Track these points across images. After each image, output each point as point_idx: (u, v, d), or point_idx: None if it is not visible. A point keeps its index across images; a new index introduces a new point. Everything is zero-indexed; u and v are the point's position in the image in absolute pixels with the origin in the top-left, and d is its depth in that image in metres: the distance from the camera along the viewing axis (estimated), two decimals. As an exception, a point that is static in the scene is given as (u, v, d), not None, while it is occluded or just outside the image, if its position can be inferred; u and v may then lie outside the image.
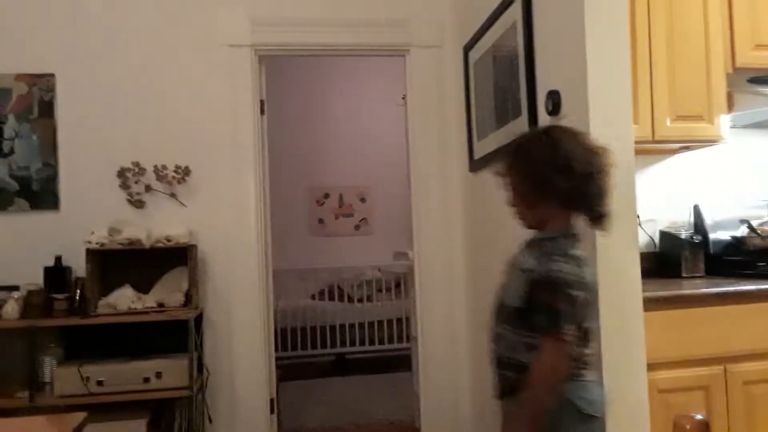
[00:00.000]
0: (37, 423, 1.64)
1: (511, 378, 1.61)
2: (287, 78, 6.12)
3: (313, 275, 5.99)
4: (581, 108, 1.90)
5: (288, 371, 4.50)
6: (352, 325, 5.45)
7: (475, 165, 3.02)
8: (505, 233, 2.57)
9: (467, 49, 3.06)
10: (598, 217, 1.61)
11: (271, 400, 3.20)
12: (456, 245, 3.28)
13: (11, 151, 2.95)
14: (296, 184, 6.20)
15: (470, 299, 3.21)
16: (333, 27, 3.21)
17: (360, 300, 5.65)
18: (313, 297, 5.85)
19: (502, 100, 2.58)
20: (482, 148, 2.88)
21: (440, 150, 3.29)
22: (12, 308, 2.68)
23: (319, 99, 6.30)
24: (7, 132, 2.95)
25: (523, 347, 1.57)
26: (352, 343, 5.44)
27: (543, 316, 1.52)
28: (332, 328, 5.42)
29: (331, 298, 5.75)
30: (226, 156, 3.13)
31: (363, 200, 6.37)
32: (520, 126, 2.34)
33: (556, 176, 1.56)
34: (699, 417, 1.13)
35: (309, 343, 5.36)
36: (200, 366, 2.99)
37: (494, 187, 2.72)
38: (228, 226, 3.12)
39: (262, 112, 3.25)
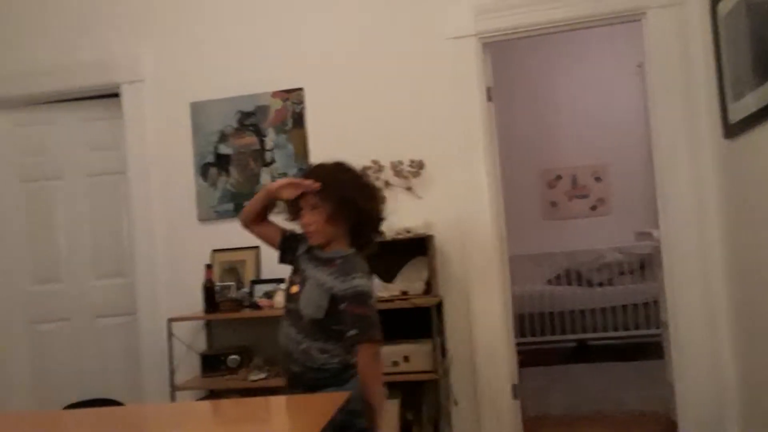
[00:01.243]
0: (305, 400, 1.82)
1: (296, 373, 1.90)
2: (513, 61, 6.04)
3: (549, 260, 5.85)
4: None
5: (528, 357, 4.46)
6: (593, 311, 5.23)
7: (732, 130, 2.68)
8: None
9: (715, 2, 2.72)
10: (369, 243, 1.96)
11: (514, 386, 3.21)
12: (710, 221, 2.95)
13: (272, 161, 3.34)
14: (527, 168, 6.10)
15: (733, 281, 2.87)
16: (559, 2, 3.09)
17: (600, 284, 5.39)
18: (549, 282, 5.72)
19: (762, 53, 2.26)
20: (739, 111, 2.55)
21: (686, 117, 2.98)
22: (281, 298, 3.04)
23: (546, 78, 6.12)
24: (268, 144, 3.35)
25: (317, 351, 1.85)
26: (594, 329, 5.21)
27: (356, 326, 1.80)
28: (572, 313, 5.25)
29: (569, 283, 5.58)
30: (457, 146, 3.20)
31: (598, 179, 6.05)
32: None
33: (360, 202, 1.88)
34: None
35: (548, 329, 5.26)
36: (443, 351, 3.11)
37: (758, 154, 2.41)
38: (462, 214, 3.19)
39: (489, 99, 3.26)
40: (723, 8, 2.64)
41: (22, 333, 3.65)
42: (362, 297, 1.83)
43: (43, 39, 3.57)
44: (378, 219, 1.99)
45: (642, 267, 5.41)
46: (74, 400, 2.80)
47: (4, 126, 3.68)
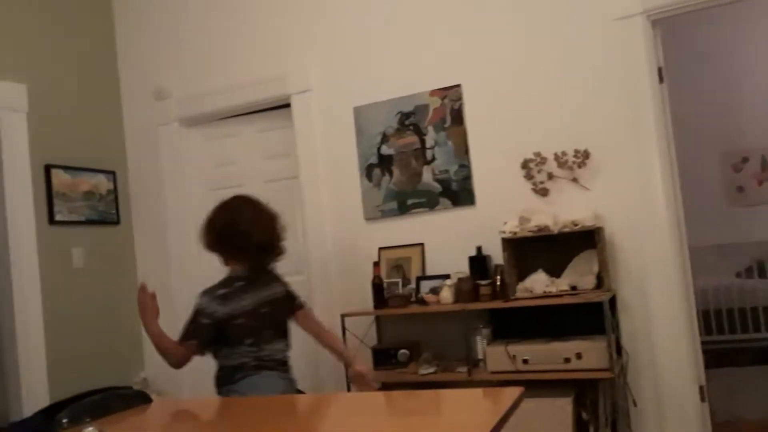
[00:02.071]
0: (476, 395, 1.84)
1: None
2: (685, 37, 5.59)
3: (736, 250, 5.33)
4: None
5: (714, 357, 4.11)
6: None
7: None
8: None
9: None
10: (256, 265, 2.42)
11: (701, 388, 2.97)
12: None
13: (433, 159, 3.39)
14: (707, 151, 5.61)
15: None
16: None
17: (801, 277, 4.81)
18: (738, 275, 5.21)
19: None
20: None
21: None
22: (447, 294, 3.08)
23: (723, 53, 5.58)
24: (429, 142, 3.40)
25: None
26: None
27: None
28: (765, 309, 4.74)
29: (762, 276, 5.04)
30: (625, 133, 3.03)
31: (793, 160, 5.41)
32: None
33: (225, 237, 2.39)
34: None
35: (737, 327, 4.79)
36: (618, 349, 2.96)
37: None
38: (634, 204, 3.01)
39: (660, 80, 3.05)
40: None
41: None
42: (193, 310, 2.37)
43: (228, 61, 3.93)
44: (252, 238, 2.42)
45: None
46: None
47: (196, 140, 4.11)
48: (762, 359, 4.57)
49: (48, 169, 3.63)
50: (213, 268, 4.01)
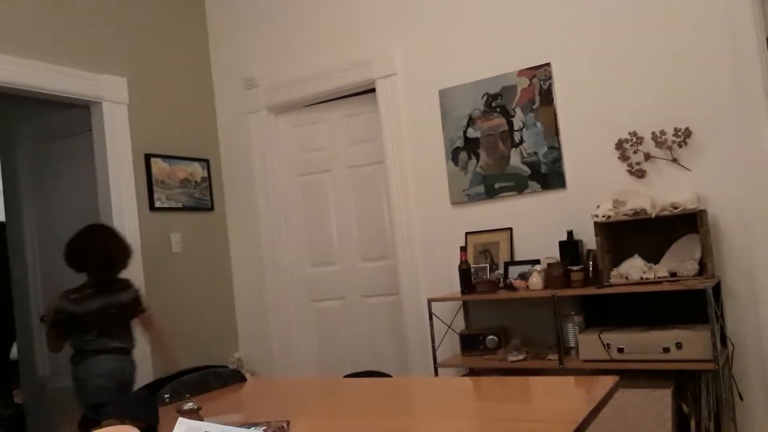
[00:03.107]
0: (568, 383, 1.78)
1: None
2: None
3: None
4: None
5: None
6: None
7: None
8: None
9: None
10: (103, 276, 3.06)
11: (816, 383, 2.75)
12: None
13: (521, 141, 3.30)
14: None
15: None
16: None
17: None
18: None
19: None
20: None
21: None
22: (536, 279, 3.00)
23: None
24: (516, 124, 3.31)
25: None
26: None
27: None
28: None
29: None
30: (731, 108, 2.83)
31: None
32: None
33: (71, 255, 3.04)
34: None
35: None
36: (723, 338, 2.78)
37: None
38: (741, 185, 2.81)
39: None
40: None
41: (306, 309, 4.14)
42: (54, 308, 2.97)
43: (313, 47, 3.98)
44: (92, 257, 3.04)
45: None
46: (350, 370, 3.10)
47: (284, 127, 4.20)
48: None
49: (148, 158, 3.82)
50: (293, 249, 4.13)
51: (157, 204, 3.83)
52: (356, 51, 3.82)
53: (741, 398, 2.80)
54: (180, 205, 3.99)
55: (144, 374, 3.37)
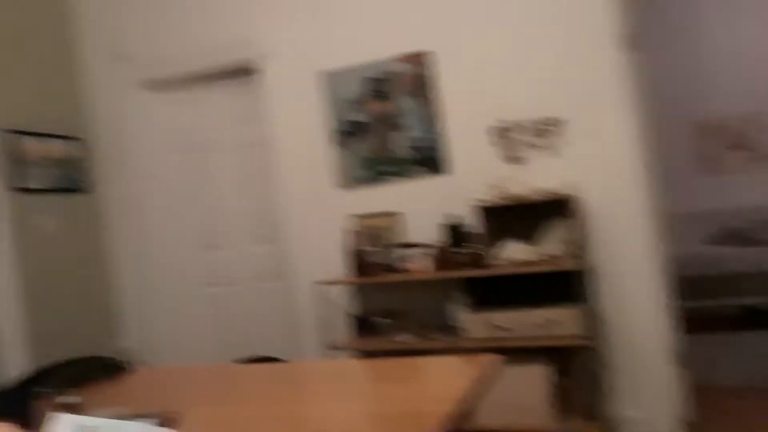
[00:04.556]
0: (456, 362, 1.83)
1: None
2: (659, 5, 5.59)
3: (709, 218, 5.41)
4: None
5: (690, 323, 4.18)
6: (762, 273, 4.77)
7: None
8: None
9: None
10: None
11: (677, 354, 3.01)
12: None
13: (406, 126, 3.35)
14: (679, 120, 5.65)
15: None
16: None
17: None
18: (711, 242, 5.30)
19: None
20: None
21: None
22: (424, 262, 3.06)
23: (696, 18, 5.59)
24: (401, 109, 3.35)
25: None
26: (763, 293, 4.76)
27: None
28: (738, 276, 4.83)
29: (733, 243, 5.12)
30: (598, 101, 3.01)
31: (763, 129, 5.47)
32: None
33: None
34: None
35: (711, 293, 4.88)
36: (595, 316, 2.98)
37: None
38: (606, 172, 3.01)
39: (629, 47, 3.03)
40: None
41: (195, 295, 3.98)
42: None
43: (193, 23, 3.79)
44: None
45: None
46: (242, 356, 3.01)
47: (162, 105, 3.96)
48: (735, 325, 4.66)
49: (11, 134, 3.50)
50: (179, 233, 3.96)
51: (24, 184, 3.52)
52: (237, 28, 3.69)
53: (610, 372, 3.02)
54: (51, 186, 3.69)
55: (22, 366, 3.11)
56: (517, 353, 2.86)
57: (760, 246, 4.91)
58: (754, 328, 4.52)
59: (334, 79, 3.48)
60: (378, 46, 3.39)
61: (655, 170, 3.16)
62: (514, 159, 3.16)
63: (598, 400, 2.90)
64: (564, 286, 2.92)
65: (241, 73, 3.80)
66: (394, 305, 3.38)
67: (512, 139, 3.16)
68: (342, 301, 3.49)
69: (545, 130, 3.09)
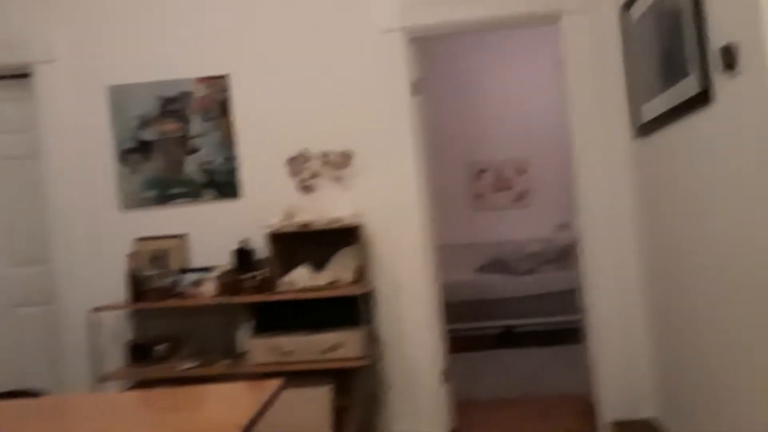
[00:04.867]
0: (238, 388, 1.82)
1: None
2: (441, 56, 6.14)
3: (476, 250, 6.00)
4: (760, 62, 1.73)
5: (457, 344, 4.57)
6: (518, 298, 5.40)
7: (640, 131, 2.86)
8: (685, 196, 2.41)
9: (624, 9, 2.88)
10: None
11: (444, 371, 3.29)
12: (624, 212, 3.13)
13: (197, 148, 3.28)
14: (454, 161, 6.23)
15: (646, 268, 3.05)
16: (480, 2, 3.17)
17: (525, 273, 5.57)
18: (477, 270, 5.87)
19: (667, 59, 2.40)
20: (647, 113, 2.72)
21: (601, 116, 3.14)
22: (209, 287, 3.00)
23: (473, 74, 6.25)
24: (193, 131, 3.28)
25: None
26: (520, 316, 5.39)
27: None
28: (499, 301, 5.41)
29: (496, 272, 5.74)
30: (385, 138, 3.24)
31: (522, 173, 6.25)
32: (689, 86, 2.18)
33: None
34: None
35: (477, 316, 5.40)
36: (375, 339, 3.15)
37: (664, 153, 2.57)
38: (391, 205, 3.23)
39: (416, 93, 3.31)
40: (633, 14, 2.78)
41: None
42: None
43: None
44: None
45: (563, 257, 5.63)
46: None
47: None
48: (494, 345, 5.21)
49: None
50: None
51: None
52: (9, 28, 3.34)
53: (388, 389, 3.20)
54: None
55: None
56: (301, 376, 2.91)
57: (518, 275, 5.56)
58: (511, 347, 5.09)
59: (123, 93, 3.29)
60: (174, 64, 3.30)
61: (433, 204, 3.45)
62: (306, 188, 3.25)
63: (376, 417, 3.06)
64: (348, 310, 3.05)
65: (14, 76, 3.42)
66: (177, 331, 3.25)
67: (305, 168, 3.25)
68: (120, 328, 3.27)
69: (338, 161, 3.23)
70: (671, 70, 2.37)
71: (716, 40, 2.00)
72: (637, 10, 2.71)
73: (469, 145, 6.27)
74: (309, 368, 2.88)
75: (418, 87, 3.33)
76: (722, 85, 1.98)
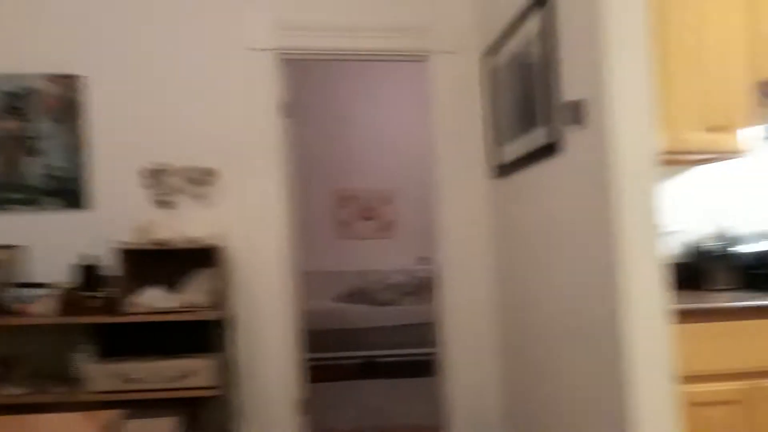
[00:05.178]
0: (74, 419, 1.64)
1: None
2: (314, 81, 6.14)
3: (339, 278, 5.98)
4: (604, 118, 1.88)
5: (317, 373, 4.48)
6: (380, 328, 5.42)
7: (498, 172, 3.01)
8: (532, 240, 2.55)
9: (489, 55, 3.04)
10: None
11: (302, 401, 3.19)
12: (481, 250, 3.26)
13: (43, 151, 2.98)
14: (322, 187, 6.21)
15: (498, 304, 3.17)
16: (356, 32, 3.21)
17: (386, 303, 5.62)
18: (339, 299, 5.84)
19: (524, 107, 2.55)
20: (504, 156, 2.87)
21: (463, 155, 3.27)
22: (45, 305, 2.70)
23: (345, 102, 6.31)
24: (37, 132, 2.98)
25: None
26: (381, 347, 5.41)
27: None
28: (360, 331, 5.39)
29: (358, 301, 5.74)
30: (252, 159, 3.14)
31: (387, 204, 6.36)
32: (542, 135, 2.32)
33: None
34: None
35: (337, 346, 5.34)
36: (230, 366, 2.99)
37: (518, 195, 2.71)
38: (255, 228, 3.12)
39: (286, 115, 3.25)
40: (495, 62, 2.95)
41: None
42: None
43: None
44: None
45: (423, 289, 5.76)
46: None
47: None
48: (354, 375, 5.17)
49: None
50: None
51: None
52: None
53: (241, 421, 3.04)
54: None
55: None
56: (147, 406, 2.69)
57: (379, 305, 5.60)
58: (370, 377, 5.08)
59: (-46, 84, 2.93)
60: (21, 58, 2.99)
61: (298, 229, 3.39)
62: (164, 203, 3.06)
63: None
64: (202, 336, 2.88)
65: None
66: (5, 353, 2.89)
67: (164, 182, 3.06)
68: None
69: (200, 179, 3.07)
70: (525, 118, 2.52)
71: (565, 95, 2.15)
72: (500, 58, 2.86)
73: (337, 173, 6.29)
74: (155, 397, 2.66)
75: (288, 109, 3.28)
76: (569, 137, 2.12)
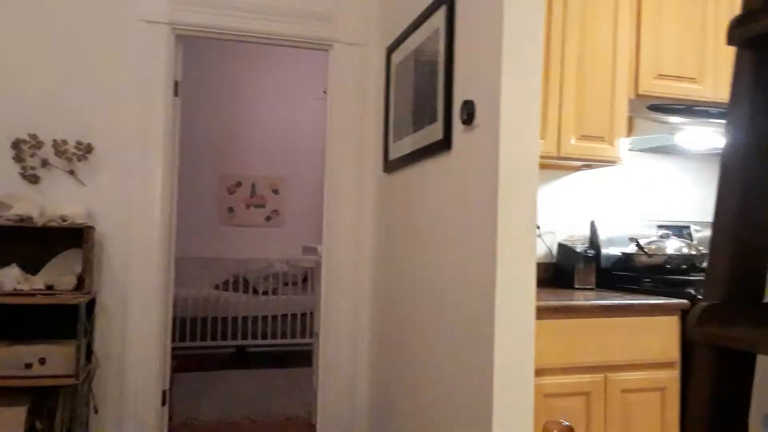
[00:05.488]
0: None
1: None
2: (206, 61, 5.95)
3: (219, 265, 5.85)
4: (493, 119, 1.96)
5: (186, 362, 4.37)
6: (255, 318, 5.37)
7: (390, 166, 3.05)
8: (417, 234, 2.62)
9: (390, 50, 3.07)
10: None
11: (164, 392, 3.10)
12: (365, 244, 3.29)
13: None
14: (208, 171, 6.03)
15: (376, 299, 3.23)
16: (256, 14, 3.14)
17: (265, 293, 5.57)
18: (216, 287, 5.72)
19: (420, 104, 2.61)
20: (397, 150, 2.91)
21: (356, 148, 3.29)
22: None
23: (238, 86, 6.15)
24: None
25: None
26: (254, 336, 5.35)
27: None
28: (234, 319, 5.31)
29: (236, 289, 5.64)
30: (134, 136, 3.00)
31: (276, 191, 6.28)
32: (435, 132, 2.38)
33: None
34: (565, 423, 1.20)
35: (209, 335, 5.23)
36: (89, 354, 2.85)
37: (408, 190, 2.77)
38: (130, 209, 2.99)
39: (175, 93, 3.14)
40: (396, 57, 2.99)
41: None
42: None
43: None
44: None
45: (305, 280, 5.76)
46: None
47: None
48: (225, 365, 5.08)
49: None
50: None
51: None
52: None
53: (96, 411, 2.91)
54: None
55: None
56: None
57: (258, 294, 5.53)
58: (241, 367, 5.02)
59: None
60: None
61: (180, 214, 3.27)
62: (30, 177, 2.86)
63: (79, 443, 2.75)
64: (65, 320, 2.73)
65: None
66: None
67: (32, 154, 2.86)
68: None
69: (71, 152, 2.90)
70: (419, 115, 2.58)
71: (458, 94, 2.22)
72: (400, 54, 2.91)
73: (227, 157, 6.14)
74: (5, 384, 2.50)
75: (178, 88, 3.16)
76: (459, 136, 2.19)
